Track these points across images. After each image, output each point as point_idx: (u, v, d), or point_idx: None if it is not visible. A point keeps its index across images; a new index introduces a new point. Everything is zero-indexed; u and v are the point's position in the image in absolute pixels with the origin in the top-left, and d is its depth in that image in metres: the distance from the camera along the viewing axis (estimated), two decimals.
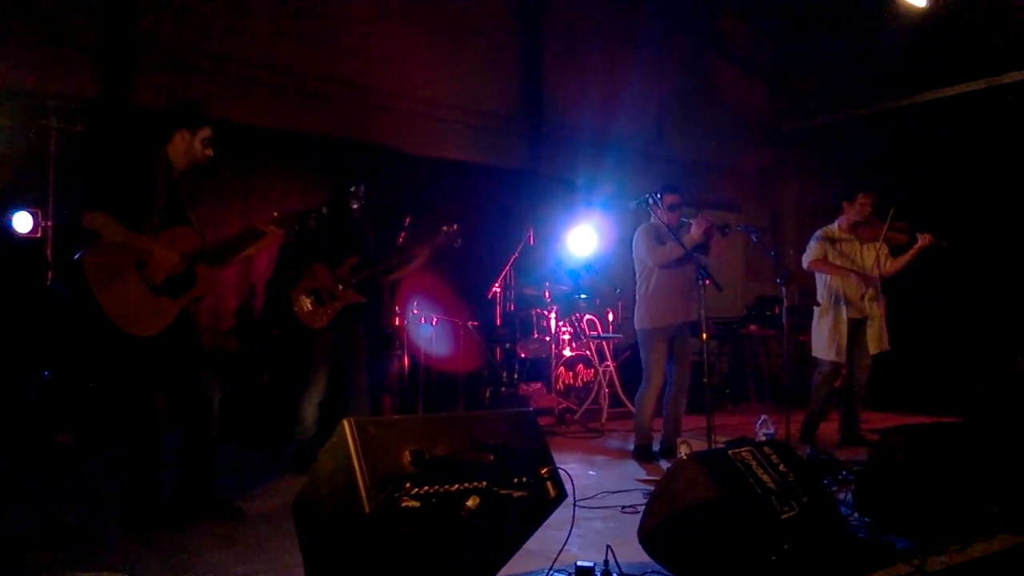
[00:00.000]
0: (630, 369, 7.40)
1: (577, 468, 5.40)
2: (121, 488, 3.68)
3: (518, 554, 2.89)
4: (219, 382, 4.14)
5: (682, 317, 5.65)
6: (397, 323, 6.98)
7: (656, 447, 5.73)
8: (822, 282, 6.25)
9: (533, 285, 7.91)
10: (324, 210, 5.10)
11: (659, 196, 5.55)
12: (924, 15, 8.61)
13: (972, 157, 9.00)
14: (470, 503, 2.28)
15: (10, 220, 6.16)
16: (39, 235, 6.30)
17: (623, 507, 4.18)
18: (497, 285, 7.88)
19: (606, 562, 2.91)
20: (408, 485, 2.20)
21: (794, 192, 11.44)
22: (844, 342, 6.08)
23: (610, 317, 8.17)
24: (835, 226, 6.30)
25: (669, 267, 5.59)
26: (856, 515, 3.92)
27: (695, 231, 5.43)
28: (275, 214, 4.12)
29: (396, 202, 7.28)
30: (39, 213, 6.26)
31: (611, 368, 7.66)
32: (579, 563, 2.95)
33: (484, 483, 2.35)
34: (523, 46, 9.62)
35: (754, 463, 3.26)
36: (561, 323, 7.65)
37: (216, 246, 3.93)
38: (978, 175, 8.97)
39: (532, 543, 2.89)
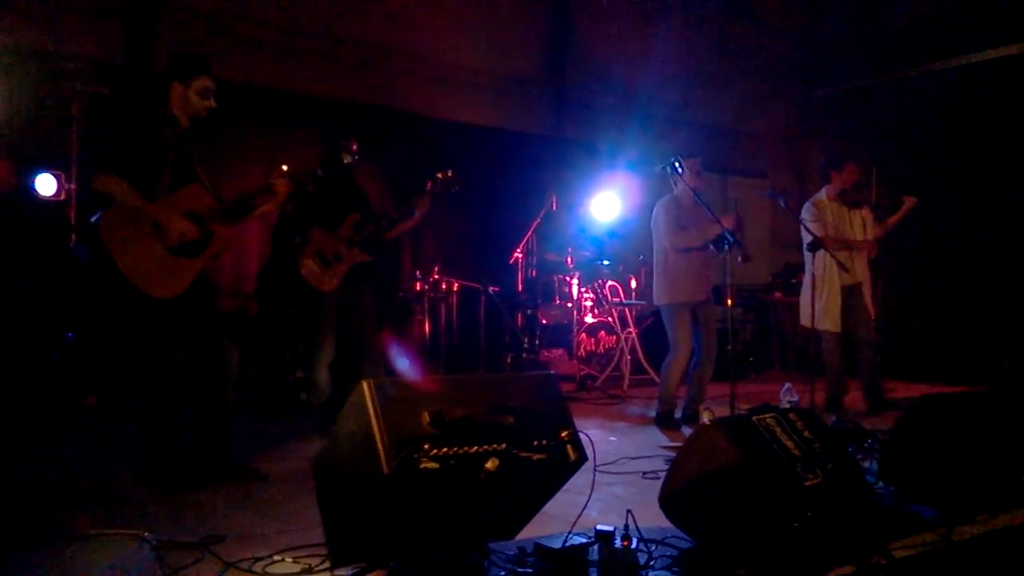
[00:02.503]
0: (652, 336, 7.34)
1: (597, 434, 5.37)
2: (143, 449, 3.70)
3: (537, 517, 2.88)
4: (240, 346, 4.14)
5: (703, 294, 5.58)
6: (418, 288, 6.97)
7: (678, 414, 5.70)
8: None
9: (555, 251, 7.87)
10: (319, 172, 5.05)
11: (680, 164, 5.46)
12: None
13: (1005, 122, 8.79)
14: (489, 465, 2.26)
15: (34, 183, 6.17)
16: (63, 198, 6.30)
17: (644, 473, 4.15)
18: (519, 250, 7.83)
19: (626, 526, 2.87)
20: (427, 446, 2.18)
21: (822, 158, 11.24)
22: (839, 310, 6.04)
23: (633, 284, 8.12)
24: (822, 195, 6.27)
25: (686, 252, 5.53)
26: (881, 484, 3.87)
27: (724, 223, 5.32)
28: (284, 168, 4.06)
29: (417, 167, 7.23)
30: (62, 176, 6.26)
31: (633, 335, 7.60)
32: (599, 527, 2.92)
33: (503, 445, 2.32)
34: (549, 9, 9.48)
35: (778, 429, 3.21)
36: (583, 289, 7.60)
37: (229, 204, 3.90)
38: (1011, 141, 8.76)
39: (552, 507, 2.87)
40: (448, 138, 8.24)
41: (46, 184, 6.23)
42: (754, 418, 3.21)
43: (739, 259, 5.04)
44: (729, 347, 4.99)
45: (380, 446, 2.13)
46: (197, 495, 3.59)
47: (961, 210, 8.73)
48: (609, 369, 7.38)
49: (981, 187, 8.74)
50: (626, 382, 7.25)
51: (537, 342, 7.50)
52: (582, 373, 7.24)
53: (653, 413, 5.82)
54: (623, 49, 9.61)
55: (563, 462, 2.45)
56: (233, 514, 3.34)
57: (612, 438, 5.25)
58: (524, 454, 2.35)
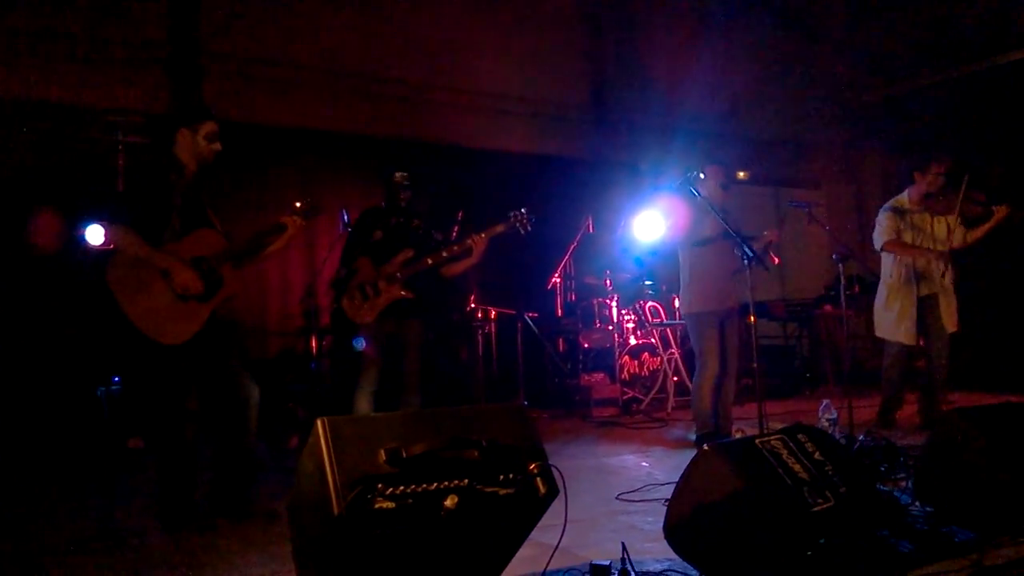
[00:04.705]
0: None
1: (631, 459, 5.26)
2: (158, 492, 3.76)
3: (540, 550, 2.79)
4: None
5: (730, 302, 5.43)
6: (455, 317, 6.96)
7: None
8: (891, 258, 5.90)
9: (594, 274, 7.77)
10: (383, 205, 5.07)
11: (700, 173, 5.32)
12: None
13: None
14: (448, 503, 2.20)
15: (83, 233, 6.39)
16: (111, 246, 6.50)
17: (665, 500, 4.00)
18: (557, 275, 7.77)
19: (622, 560, 2.78)
20: (381, 486, 2.13)
21: (879, 166, 10.88)
22: (915, 322, 5.74)
23: (676, 303, 7.95)
24: (904, 197, 5.93)
25: (703, 243, 5.39)
26: (917, 504, 3.66)
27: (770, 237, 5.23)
28: (296, 205, 4.10)
29: (451, 197, 7.26)
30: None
31: (676, 355, 7.43)
32: (594, 562, 2.84)
33: (466, 481, 2.26)
34: (587, 32, 9.46)
35: (784, 452, 3.06)
36: (624, 311, 7.47)
37: (239, 246, 3.95)
38: None
39: (565, 540, 2.74)
40: (487, 167, 8.26)
41: (95, 234, 6.43)
42: (758, 441, 3.07)
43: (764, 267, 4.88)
44: (753, 364, 4.78)
45: (331, 486, 2.10)
46: (209, 537, 3.61)
47: None
48: (653, 391, 7.22)
49: None
50: (670, 404, 7.08)
51: (580, 367, 7.40)
52: (626, 397, 7.10)
53: (693, 436, 5.66)
54: (666, 67, 9.51)
55: (533, 497, 2.37)
56: (239, 555, 3.34)
57: (644, 463, 5.11)
58: (489, 489, 2.28)
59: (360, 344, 4.85)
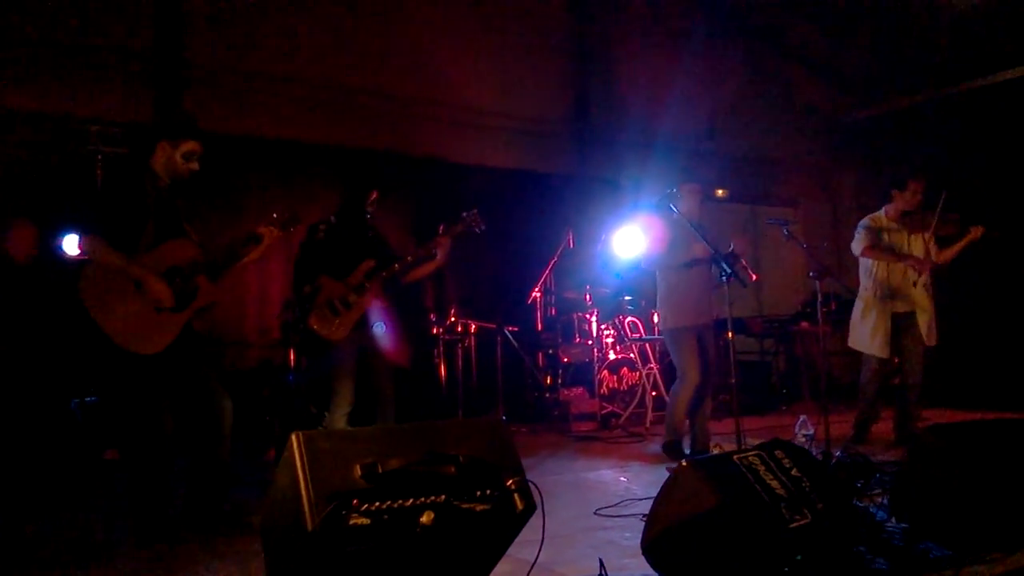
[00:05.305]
0: (675, 371, 7.18)
1: (609, 474, 5.26)
2: (131, 503, 3.71)
3: (518, 567, 2.79)
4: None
5: (705, 318, 5.46)
6: (434, 331, 6.93)
7: (688, 448, 5.55)
8: (867, 273, 5.97)
9: (574, 288, 7.79)
10: (333, 219, 5.02)
11: (676, 190, 5.37)
12: None
13: None
14: (424, 519, 2.18)
15: (60, 244, 6.31)
16: (88, 257, 6.42)
17: (643, 515, 4.00)
18: (537, 290, 7.77)
19: None
20: (356, 501, 2.11)
21: (855, 185, 11.01)
22: (888, 336, 5.80)
23: (655, 319, 7.96)
24: (882, 214, 6.01)
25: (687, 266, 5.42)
26: (893, 521, 3.68)
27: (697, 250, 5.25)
28: (273, 215, 4.08)
29: (436, 210, 7.23)
30: None
31: (655, 370, 7.45)
32: None
33: (443, 497, 2.24)
34: (569, 50, 9.51)
35: (762, 468, 3.07)
36: (603, 326, 7.49)
37: (213, 256, 3.92)
38: None
39: (543, 556, 2.75)
40: (468, 181, 8.25)
41: (71, 244, 6.36)
42: (735, 457, 3.09)
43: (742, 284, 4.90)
44: (732, 380, 4.82)
45: (305, 502, 2.08)
46: (184, 548, 3.57)
47: (1006, 231, 8.42)
48: (632, 406, 7.23)
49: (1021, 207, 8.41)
50: (648, 419, 7.09)
51: (559, 381, 7.40)
52: (604, 411, 7.10)
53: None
54: (645, 85, 9.58)
55: (510, 512, 2.35)
56: (214, 568, 3.31)
57: (622, 478, 5.11)
58: (466, 505, 2.26)
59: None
